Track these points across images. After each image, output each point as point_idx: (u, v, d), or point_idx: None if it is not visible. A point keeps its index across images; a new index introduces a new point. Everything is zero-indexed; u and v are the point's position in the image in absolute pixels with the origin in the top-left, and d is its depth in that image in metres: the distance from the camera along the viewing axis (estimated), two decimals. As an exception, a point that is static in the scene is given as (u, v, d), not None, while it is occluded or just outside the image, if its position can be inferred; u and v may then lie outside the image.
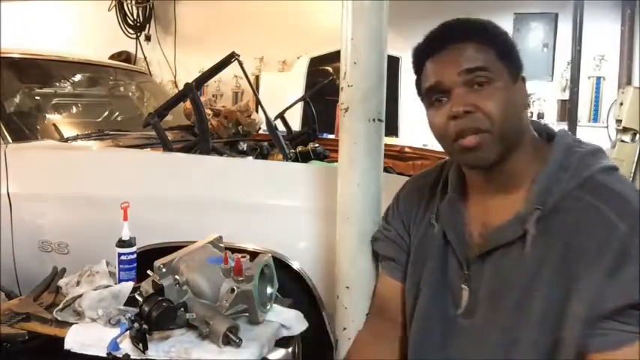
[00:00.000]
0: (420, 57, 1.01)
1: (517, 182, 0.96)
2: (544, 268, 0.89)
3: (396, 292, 1.15)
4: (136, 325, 1.06)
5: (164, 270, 1.15)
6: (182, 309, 1.12)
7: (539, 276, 0.89)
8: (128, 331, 1.08)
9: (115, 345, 1.09)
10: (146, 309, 1.07)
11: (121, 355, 1.09)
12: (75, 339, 1.17)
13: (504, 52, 0.96)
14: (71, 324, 1.21)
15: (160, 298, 1.09)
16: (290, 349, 1.35)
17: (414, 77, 1.05)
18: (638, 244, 0.83)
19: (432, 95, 0.98)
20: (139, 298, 1.12)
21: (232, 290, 1.14)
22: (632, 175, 3.20)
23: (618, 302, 0.82)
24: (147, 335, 1.07)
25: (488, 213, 0.99)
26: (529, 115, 1.05)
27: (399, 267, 1.15)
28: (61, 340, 1.17)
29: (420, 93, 1.03)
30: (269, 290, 1.24)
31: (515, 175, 0.96)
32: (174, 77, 5.49)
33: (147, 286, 1.16)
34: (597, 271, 0.84)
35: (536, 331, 0.89)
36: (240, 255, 1.19)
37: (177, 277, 1.15)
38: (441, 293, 1.03)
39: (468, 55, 0.94)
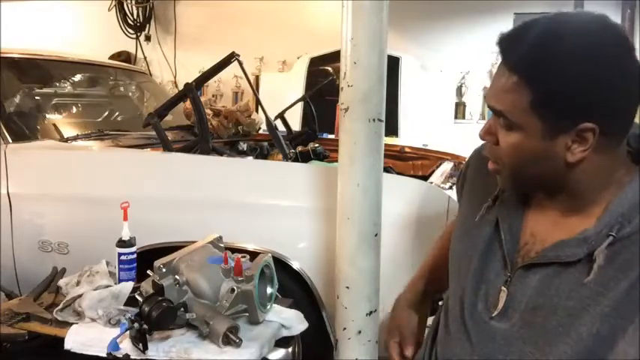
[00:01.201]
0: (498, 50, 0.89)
1: (583, 204, 0.86)
2: (603, 300, 0.80)
3: None
4: (135, 325, 1.06)
5: (164, 270, 1.15)
6: (182, 309, 1.12)
7: (594, 307, 0.81)
8: (128, 331, 1.08)
9: (115, 345, 1.09)
10: (146, 309, 1.07)
11: (121, 355, 1.09)
12: (75, 339, 1.17)
13: (544, 100, 0.79)
14: (71, 324, 1.21)
15: (160, 298, 1.09)
16: (290, 349, 1.35)
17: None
18: None
19: None
20: (139, 298, 1.13)
21: (232, 290, 1.14)
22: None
23: None
24: (147, 335, 1.07)
25: (546, 225, 0.90)
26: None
27: None
28: (61, 340, 1.17)
29: None
30: (269, 290, 1.24)
31: (580, 197, 0.86)
32: (174, 77, 5.49)
33: (147, 286, 1.16)
34: None
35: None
36: (240, 255, 1.19)
37: (177, 277, 1.15)
38: (476, 289, 0.95)
39: (500, 91, 0.83)
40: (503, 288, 0.91)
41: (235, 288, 1.14)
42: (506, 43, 0.84)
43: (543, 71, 0.79)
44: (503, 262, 0.93)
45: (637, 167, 0.86)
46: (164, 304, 1.08)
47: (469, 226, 0.99)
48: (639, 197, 0.82)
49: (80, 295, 1.25)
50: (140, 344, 1.07)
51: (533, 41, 0.80)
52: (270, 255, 1.25)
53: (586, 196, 0.85)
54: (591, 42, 0.78)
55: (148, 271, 1.17)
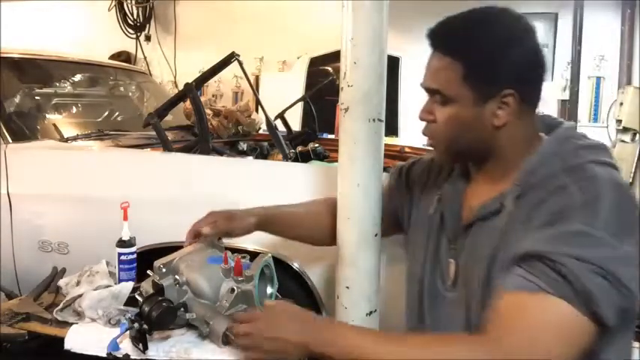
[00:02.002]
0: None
1: (506, 172, 0.99)
2: (506, 238, 0.92)
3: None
4: (136, 325, 1.06)
5: (164, 270, 1.15)
6: (182, 309, 1.12)
7: (502, 247, 0.93)
8: (128, 331, 1.08)
9: (114, 345, 1.09)
10: (146, 309, 1.07)
11: (120, 355, 1.09)
12: (75, 339, 1.17)
13: (474, 72, 0.95)
14: (71, 324, 1.21)
15: (160, 298, 1.09)
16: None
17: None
18: (586, 217, 0.84)
19: None
20: (139, 298, 1.12)
21: (232, 290, 1.14)
22: (632, 175, 3.20)
23: (527, 249, 0.85)
24: (147, 335, 1.07)
25: (479, 196, 1.03)
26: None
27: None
28: (61, 340, 1.17)
29: None
30: (269, 290, 1.24)
31: (504, 165, 1.00)
32: (174, 77, 5.49)
33: (147, 286, 1.16)
34: (531, 227, 0.88)
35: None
36: (240, 255, 1.19)
37: (177, 277, 1.15)
38: (433, 270, 1.09)
39: (434, 72, 0.98)
40: (450, 260, 1.06)
41: (235, 288, 1.14)
42: (436, 33, 0.99)
43: (472, 48, 0.95)
44: (448, 239, 1.07)
45: (549, 136, 1.00)
46: (164, 304, 1.08)
47: (423, 219, 1.15)
48: (545, 155, 0.95)
49: (80, 295, 1.25)
50: (140, 344, 1.07)
51: (460, 27, 0.98)
52: (270, 255, 1.25)
53: (509, 160, 0.99)
54: (507, 25, 0.98)
55: (148, 272, 1.17)
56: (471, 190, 1.08)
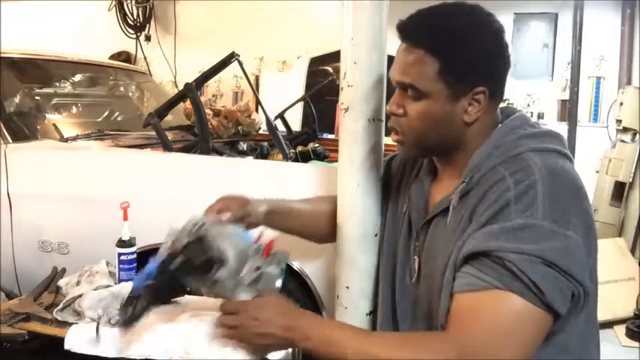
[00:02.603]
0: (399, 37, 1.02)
1: (457, 168, 1.01)
2: (455, 235, 0.95)
3: None
4: (172, 266, 0.98)
5: (194, 230, 1.07)
6: (218, 264, 1.02)
7: (453, 242, 0.94)
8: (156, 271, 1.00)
9: (144, 278, 1.00)
10: (188, 254, 0.98)
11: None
12: (75, 339, 1.16)
13: (449, 67, 0.94)
14: (71, 324, 1.21)
15: (202, 248, 1.01)
16: (290, 349, 1.35)
17: None
18: (525, 209, 0.86)
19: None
20: (171, 244, 1.04)
21: (257, 269, 1.07)
22: (632, 175, 3.20)
23: (473, 248, 0.88)
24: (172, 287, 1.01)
25: (442, 191, 1.05)
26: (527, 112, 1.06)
27: None
28: (61, 340, 1.17)
29: None
30: (278, 283, 1.18)
31: (463, 160, 1.00)
32: (174, 77, 5.49)
33: (181, 236, 1.06)
34: (476, 225, 0.90)
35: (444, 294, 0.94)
36: (273, 238, 1.13)
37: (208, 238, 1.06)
38: (404, 266, 1.12)
39: (406, 65, 0.97)
40: (414, 257, 1.08)
41: (261, 267, 1.08)
42: (408, 26, 0.98)
43: (448, 43, 0.94)
44: (415, 234, 1.09)
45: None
46: (209, 253, 1.00)
47: (397, 217, 1.17)
48: (489, 148, 0.96)
49: (80, 295, 1.25)
50: (155, 296, 1.01)
51: (435, 20, 0.97)
52: (289, 252, 1.17)
53: (464, 155, 1.00)
54: (480, 22, 0.97)
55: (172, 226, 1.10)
56: (435, 186, 1.09)
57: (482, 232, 0.88)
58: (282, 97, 3.63)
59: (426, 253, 1.04)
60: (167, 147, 2.08)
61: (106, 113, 2.69)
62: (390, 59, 1.24)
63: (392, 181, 1.24)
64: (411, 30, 0.97)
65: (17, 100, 2.22)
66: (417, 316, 1.07)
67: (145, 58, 5.67)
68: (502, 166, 0.93)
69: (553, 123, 4.38)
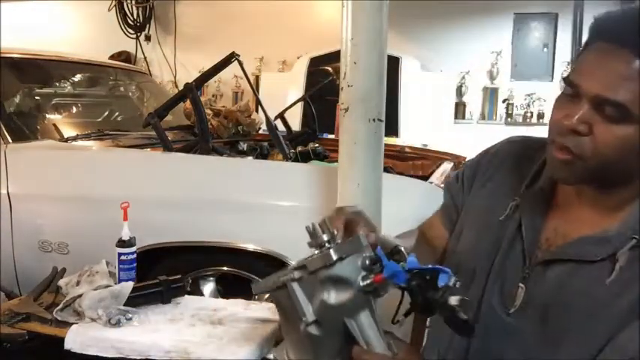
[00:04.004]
0: (592, 34, 0.83)
1: (613, 203, 0.84)
2: (621, 301, 0.79)
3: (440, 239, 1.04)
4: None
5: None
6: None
7: (612, 308, 0.80)
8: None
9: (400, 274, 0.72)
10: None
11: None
12: (75, 339, 1.17)
13: None
14: (71, 324, 1.21)
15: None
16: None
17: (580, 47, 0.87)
18: None
19: (567, 85, 0.82)
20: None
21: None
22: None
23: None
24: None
25: (569, 221, 0.88)
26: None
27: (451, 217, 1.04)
28: (61, 340, 1.17)
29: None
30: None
31: (614, 196, 0.84)
32: (174, 77, 5.49)
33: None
34: None
35: (583, 356, 0.81)
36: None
37: None
38: (495, 282, 0.92)
39: (615, 78, 0.75)
40: (520, 285, 0.89)
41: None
42: (621, 24, 0.78)
43: None
44: (522, 258, 0.90)
45: None
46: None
47: (491, 225, 0.94)
48: None
49: (80, 295, 1.25)
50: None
51: None
52: None
53: (618, 191, 0.83)
54: None
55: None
56: (556, 207, 0.91)
57: None
58: (282, 97, 3.64)
59: (550, 296, 0.85)
60: (167, 147, 2.08)
61: (106, 113, 2.69)
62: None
63: (475, 181, 1.02)
64: (625, 31, 0.77)
65: (17, 100, 2.22)
66: (509, 351, 0.88)
67: (145, 58, 5.66)
68: None
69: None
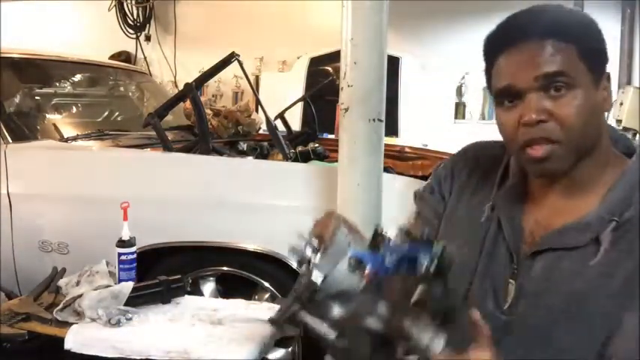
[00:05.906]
0: (493, 51, 0.89)
1: (585, 188, 0.88)
2: (611, 281, 0.82)
3: None
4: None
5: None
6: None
7: (602, 288, 0.82)
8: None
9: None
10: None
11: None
12: (75, 339, 1.17)
13: (588, 51, 0.84)
14: (71, 324, 1.21)
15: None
16: (290, 349, 1.35)
17: (483, 68, 0.93)
18: None
19: (502, 97, 0.87)
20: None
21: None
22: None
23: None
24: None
25: (547, 212, 0.91)
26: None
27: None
28: (61, 340, 1.17)
29: (488, 87, 0.92)
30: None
31: (585, 180, 0.88)
32: (174, 77, 5.48)
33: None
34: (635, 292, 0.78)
35: (585, 341, 0.83)
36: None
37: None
38: (484, 284, 0.93)
39: (546, 55, 0.83)
40: (510, 280, 0.91)
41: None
42: (525, 22, 0.87)
43: (576, 27, 0.86)
44: (508, 255, 0.92)
45: (624, 156, 0.91)
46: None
47: (473, 229, 0.96)
48: (638, 180, 0.85)
49: (80, 295, 1.25)
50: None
51: (554, 11, 0.87)
52: None
53: (600, 163, 0.88)
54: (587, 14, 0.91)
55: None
56: (532, 201, 0.93)
57: None
58: (282, 97, 3.64)
59: (539, 285, 0.88)
60: (167, 147, 2.08)
61: (106, 113, 2.69)
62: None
63: (456, 177, 1.04)
64: (533, 26, 0.86)
65: (17, 100, 2.22)
66: (505, 347, 0.87)
67: (145, 58, 5.66)
68: None
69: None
